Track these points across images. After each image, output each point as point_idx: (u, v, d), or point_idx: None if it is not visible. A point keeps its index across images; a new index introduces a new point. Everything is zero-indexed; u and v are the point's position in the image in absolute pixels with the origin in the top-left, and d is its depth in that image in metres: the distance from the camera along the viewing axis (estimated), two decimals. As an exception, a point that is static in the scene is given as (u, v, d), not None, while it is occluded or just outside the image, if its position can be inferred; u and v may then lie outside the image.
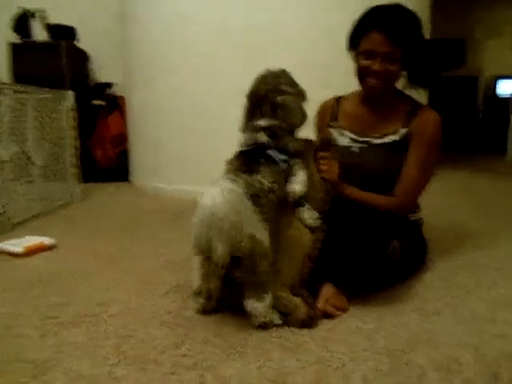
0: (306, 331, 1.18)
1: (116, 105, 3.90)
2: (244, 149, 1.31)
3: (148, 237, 2.09)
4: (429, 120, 1.51)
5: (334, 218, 1.39)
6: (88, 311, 1.31)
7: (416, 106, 1.55)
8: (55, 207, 2.66)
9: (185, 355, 1.07)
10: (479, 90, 8.07)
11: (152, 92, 3.15)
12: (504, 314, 1.27)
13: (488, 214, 2.54)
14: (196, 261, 1.25)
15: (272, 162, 1.26)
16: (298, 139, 1.36)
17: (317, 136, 1.62)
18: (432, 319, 1.25)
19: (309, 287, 1.30)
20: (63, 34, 3.99)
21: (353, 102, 1.64)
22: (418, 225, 1.63)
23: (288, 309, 1.21)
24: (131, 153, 3.55)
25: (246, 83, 1.35)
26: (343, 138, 1.58)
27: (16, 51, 3.88)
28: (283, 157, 1.29)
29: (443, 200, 2.84)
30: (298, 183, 1.29)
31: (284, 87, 1.33)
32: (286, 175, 1.29)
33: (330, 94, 1.71)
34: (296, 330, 1.18)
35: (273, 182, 1.23)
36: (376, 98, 1.55)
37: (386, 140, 1.52)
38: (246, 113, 1.38)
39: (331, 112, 1.66)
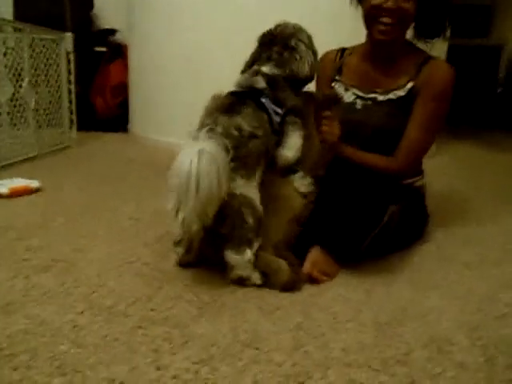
0: (286, 295, 1.10)
1: (119, 53, 3.72)
2: (235, 90, 1.20)
3: (135, 186, 2.01)
4: (438, 72, 1.37)
5: (328, 179, 1.29)
6: (62, 256, 1.24)
7: (427, 58, 1.40)
8: (48, 152, 2.57)
9: (154, 309, 1.00)
10: (502, 62, 7.69)
11: (155, 40, 2.99)
12: (506, 295, 1.17)
13: (499, 193, 2.41)
14: None
15: (262, 109, 1.15)
16: (298, 95, 1.24)
17: (317, 90, 1.49)
18: (425, 293, 1.16)
19: (296, 252, 1.22)
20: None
21: (358, 55, 1.49)
22: (419, 191, 1.52)
23: (270, 269, 1.14)
24: (131, 103, 3.42)
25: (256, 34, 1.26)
26: (349, 94, 1.46)
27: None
28: (278, 109, 1.18)
29: (451, 172, 2.70)
30: (291, 148, 1.20)
31: (300, 36, 1.25)
32: (277, 131, 1.18)
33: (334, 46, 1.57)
34: (276, 293, 1.11)
35: (255, 127, 1.11)
36: (384, 48, 1.40)
37: (391, 96, 1.40)
38: (252, 55, 1.28)
39: (334, 64, 1.53)
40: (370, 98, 1.42)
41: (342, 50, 1.55)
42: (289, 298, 1.08)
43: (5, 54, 2.42)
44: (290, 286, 1.12)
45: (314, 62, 1.26)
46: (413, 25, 1.40)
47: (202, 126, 1.11)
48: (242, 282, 1.11)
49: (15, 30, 2.50)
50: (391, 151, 1.38)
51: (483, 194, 2.27)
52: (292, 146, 1.20)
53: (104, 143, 3.08)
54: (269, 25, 1.28)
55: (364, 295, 1.13)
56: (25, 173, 2.05)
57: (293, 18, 1.30)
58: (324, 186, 1.27)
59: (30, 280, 1.11)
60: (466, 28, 5.78)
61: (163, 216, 1.58)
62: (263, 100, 1.16)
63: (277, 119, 1.18)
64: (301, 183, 1.24)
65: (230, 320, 0.98)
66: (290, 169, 1.24)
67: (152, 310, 0.99)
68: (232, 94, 1.19)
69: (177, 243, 1.21)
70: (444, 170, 2.55)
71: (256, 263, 1.12)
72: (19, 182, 1.86)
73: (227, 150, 1.03)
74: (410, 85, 1.38)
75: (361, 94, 1.45)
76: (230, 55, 2.39)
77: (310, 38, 1.27)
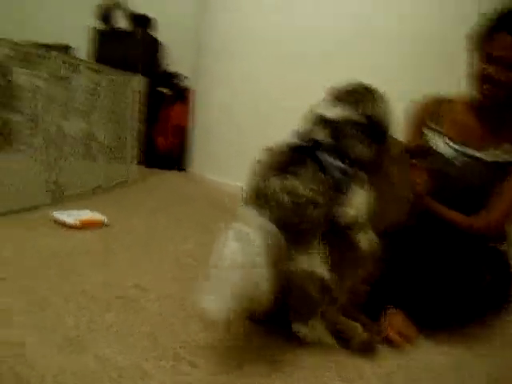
0: (367, 364, 0.99)
1: (181, 96, 3.89)
2: (291, 143, 1.04)
3: (195, 224, 1.99)
4: None
5: (411, 237, 1.20)
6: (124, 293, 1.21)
7: None
8: (110, 186, 2.64)
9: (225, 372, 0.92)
10: None
11: (224, 86, 3.08)
12: None
13: None
14: None
15: (321, 167, 0.99)
16: (371, 146, 1.05)
17: (407, 139, 1.41)
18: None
19: (367, 312, 1.12)
20: (142, 23, 4.09)
21: (461, 107, 1.39)
22: (505, 256, 1.38)
23: (345, 334, 1.04)
24: (193, 144, 3.51)
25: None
26: (446, 147, 1.36)
27: (98, 37, 4.02)
28: (340, 164, 0.99)
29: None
30: (353, 206, 1.02)
31: (376, 95, 1.11)
32: (340, 190, 1.00)
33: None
34: (356, 359, 1.00)
35: (314, 192, 0.94)
36: (493, 108, 1.32)
37: (498, 159, 1.29)
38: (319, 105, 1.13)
39: (431, 113, 1.43)
40: (472, 156, 1.32)
41: (441, 99, 1.44)
42: (369, 364, 0.98)
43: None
44: (367, 349, 1.02)
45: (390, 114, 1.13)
46: None
47: (252, 188, 1.00)
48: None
49: (91, 69, 2.65)
50: (474, 212, 1.27)
51: None
52: (354, 204, 1.03)
53: (162, 179, 3.14)
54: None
55: (452, 364, 1.01)
56: (91, 204, 2.09)
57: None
58: (407, 243, 1.17)
59: (93, 315, 1.08)
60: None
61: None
62: (319, 154, 0.99)
63: (338, 175, 0.99)
64: (364, 238, 1.09)
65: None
66: (349, 227, 1.06)
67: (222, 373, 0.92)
68: (289, 148, 1.03)
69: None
70: None
71: (328, 327, 1.03)
72: (86, 214, 1.90)
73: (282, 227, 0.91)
74: None
75: (461, 149, 1.33)
76: (298, 105, 2.42)
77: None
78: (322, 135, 1.02)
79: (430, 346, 1.10)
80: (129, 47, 3.90)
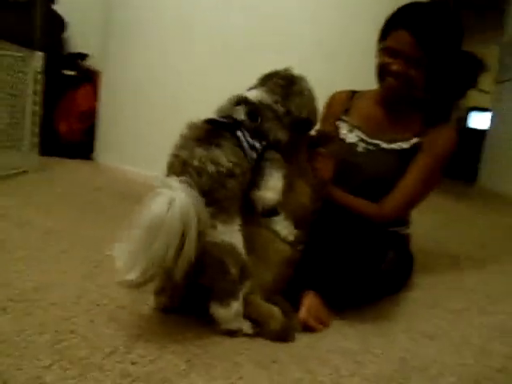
0: (282, 346, 1.00)
1: (88, 78, 3.61)
2: (213, 118, 1.07)
3: (98, 216, 1.87)
4: (444, 135, 1.38)
5: (322, 222, 1.22)
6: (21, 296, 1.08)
7: (436, 120, 1.40)
8: (6, 175, 2.37)
9: (135, 362, 0.87)
10: (452, 120, 8.29)
11: (129, 68, 2.91)
12: (499, 346, 1.14)
13: (467, 239, 2.46)
14: None
15: (238, 145, 1.02)
16: (288, 132, 1.12)
17: (320, 127, 1.45)
18: (423, 343, 1.10)
19: (288, 296, 1.13)
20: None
21: (369, 100, 1.48)
22: (405, 239, 1.49)
23: (262, 318, 1.04)
24: (98, 130, 3.28)
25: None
26: (352, 136, 1.43)
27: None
28: (256, 143, 1.04)
29: (424, 220, 2.74)
30: (269, 189, 1.06)
31: (302, 84, 1.15)
32: (253, 169, 1.04)
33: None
34: (270, 343, 1.01)
35: (234, 164, 0.98)
36: (395, 101, 1.40)
37: (395, 146, 1.38)
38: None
39: (343, 105, 1.51)
40: (374, 144, 1.40)
41: (353, 93, 1.54)
42: (285, 350, 0.99)
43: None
44: (284, 336, 1.03)
45: (315, 106, 1.18)
46: None
47: (175, 158, 0.99)
48: (231, 334, 1.00)
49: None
50: (378, 200, 1.33)
51: (458, 242, 2.30)
52: (271, 186, 1.06)
53: (66, 170, 2.90)
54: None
55: (361, 345, 1.05)
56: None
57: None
58: (317, 228, 1.20)
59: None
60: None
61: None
62: (238, 134, 1.02)
63: (252, 155, 1.03)
64: (282, 226, 1.13)
65: (224, 375, 0.86)
66: (269, 211, 1.10)
67: (133, 363, 0.86)
68: (209, 122, 1.05)
69: (159, 293, 1.07)
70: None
71: (246, 311, 1.02)
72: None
73: (204, 194, 0.92)
74: (415, 140, 1.37)
75: (365, 137, 1.42)
76: (210, 95, 2.37)
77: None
78: (242, 115, 1.06)
79: (342, 324, 1.14)
80: (26, 22, 3.50)
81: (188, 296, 1.07)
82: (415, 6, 1.32)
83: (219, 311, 0.98)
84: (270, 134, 1.07)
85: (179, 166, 0.97)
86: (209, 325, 1.01)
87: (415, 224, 1.52)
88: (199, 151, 0.97)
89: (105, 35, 3.22)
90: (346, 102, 1.51)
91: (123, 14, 2.99)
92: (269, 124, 1.08)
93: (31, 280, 1.18)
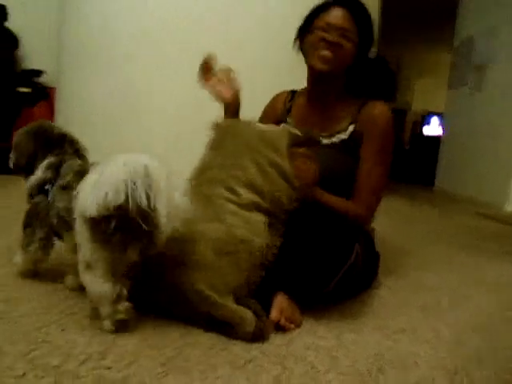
0: (255, 346, 1.01)
1: (44, 94, 3.53)
2: None
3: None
4: (376, 112, 1.39)
5: (292, 221, 1.24)
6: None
7: (365, 101, 1.43)
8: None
9: (110, 367, 0.85)
10: (407, 124, 8.70)
11: (83, 83, 2.86)
12: (470, 339, 1.18)
13: (426, 239, 2.56)
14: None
15: None
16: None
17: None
18: (395, 337, 1.14)
19: (260, 300, 1.13)
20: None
21: (303, 97, 1.52)
22: (371, 235, 1.52)
23: (235, 320, 1.04)
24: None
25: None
26: None
27: None
28: None
29: (383, 223, 2.83)
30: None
31: None
32: None
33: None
34: (244, 344, 1.01)
35: None
36: (323, 84, 1.43)
37: (335, 139, 1.41)
38: None
39: (284, 106, 1.54)
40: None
41: (293, 92, 1.57)
42: (259, 349, 0.99)
43: None
44: (258, 337, 1.03)
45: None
46: None
47: None
48: None
49: None
50: (339, 195, 1.34)
51: (418, 242, 2.39)
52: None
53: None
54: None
55: (335, 342, 1.07)
56: None
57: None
58: (288, 228, 1.21)
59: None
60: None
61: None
62: None
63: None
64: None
65: (201, 377, 0.86)
66: None
67: (108, 368, 0.85)
68: None
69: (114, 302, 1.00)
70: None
71: (219, 314, 1.02)
72: None
73: None
74: (351, 127, 1.40)
75: None
76: (163, 107, 2.39)
77: None
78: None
79: (313, 323, 1.16)
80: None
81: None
82: None
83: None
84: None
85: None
86: (178, 325, 1.02)
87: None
88: None
89: (58, 51, 3.15)
90: (286, 103, 1.55)
91: (74, 28, 2.95)
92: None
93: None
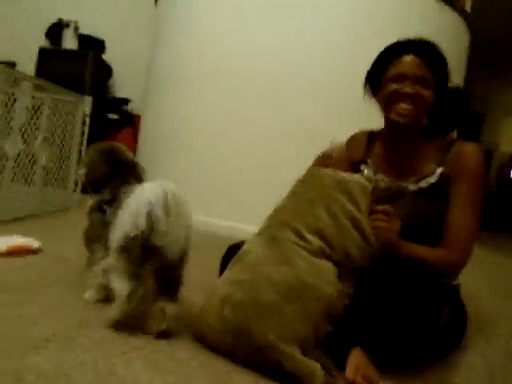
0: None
1: (130, 121, 3.78)
2: None
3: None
4: (465, 152, 1.29)
5: (371, 273, 1.14)
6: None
7: (450, 141, 1.33)
8: (49, 212, 2.43)
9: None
10: (493, 165, 8.12)
11: (165, 113, 3.03)
12: None
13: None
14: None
15: None
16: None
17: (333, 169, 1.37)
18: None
19: (330, 352, 1.04)
20: (92, 45, 3.97)
21: (382, 139, 1.43)
22: (457, 291, 1.37)
23: (302, 372, 0.95)
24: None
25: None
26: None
27: (43, 56, 3.83)
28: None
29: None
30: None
31: None
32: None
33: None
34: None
35: None
36: (404, 133, 1.34)
37: (423, 184, 1.30)
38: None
39: (363, 149, 1.45)
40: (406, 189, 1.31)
41: (372, 134, 1.48)
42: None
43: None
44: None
45: None
46: None
47: None
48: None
49: (36, 86, 2.49)
50: (429, 243, 1.23)
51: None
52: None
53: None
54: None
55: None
56: (25, 230, 1.90)
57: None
58: (365, 280, 1.12)
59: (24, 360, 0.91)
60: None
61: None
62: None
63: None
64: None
65: None
66: None
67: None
68: None
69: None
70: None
71: (284, 365, 0.95)
72: (18, 240, 1.69)
73: None
74: (439, 170, 1.29)
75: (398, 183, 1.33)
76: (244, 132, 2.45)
77: None
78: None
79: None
80: (77, 69, 3.75)
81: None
82: (405, 40, 1.31)
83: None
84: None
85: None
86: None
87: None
88: None
89: (146, 81, 3.38)
90: (365, 146, 1.46)
91: (164, 61, 3.14)
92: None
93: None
